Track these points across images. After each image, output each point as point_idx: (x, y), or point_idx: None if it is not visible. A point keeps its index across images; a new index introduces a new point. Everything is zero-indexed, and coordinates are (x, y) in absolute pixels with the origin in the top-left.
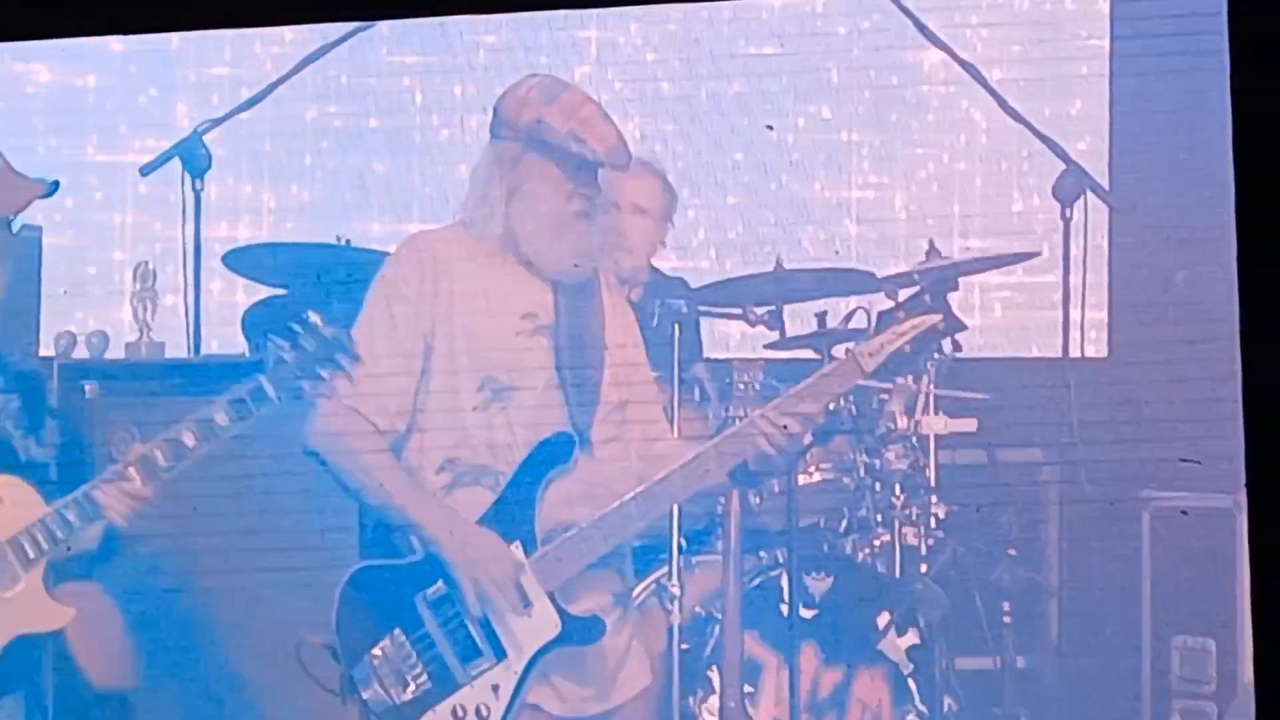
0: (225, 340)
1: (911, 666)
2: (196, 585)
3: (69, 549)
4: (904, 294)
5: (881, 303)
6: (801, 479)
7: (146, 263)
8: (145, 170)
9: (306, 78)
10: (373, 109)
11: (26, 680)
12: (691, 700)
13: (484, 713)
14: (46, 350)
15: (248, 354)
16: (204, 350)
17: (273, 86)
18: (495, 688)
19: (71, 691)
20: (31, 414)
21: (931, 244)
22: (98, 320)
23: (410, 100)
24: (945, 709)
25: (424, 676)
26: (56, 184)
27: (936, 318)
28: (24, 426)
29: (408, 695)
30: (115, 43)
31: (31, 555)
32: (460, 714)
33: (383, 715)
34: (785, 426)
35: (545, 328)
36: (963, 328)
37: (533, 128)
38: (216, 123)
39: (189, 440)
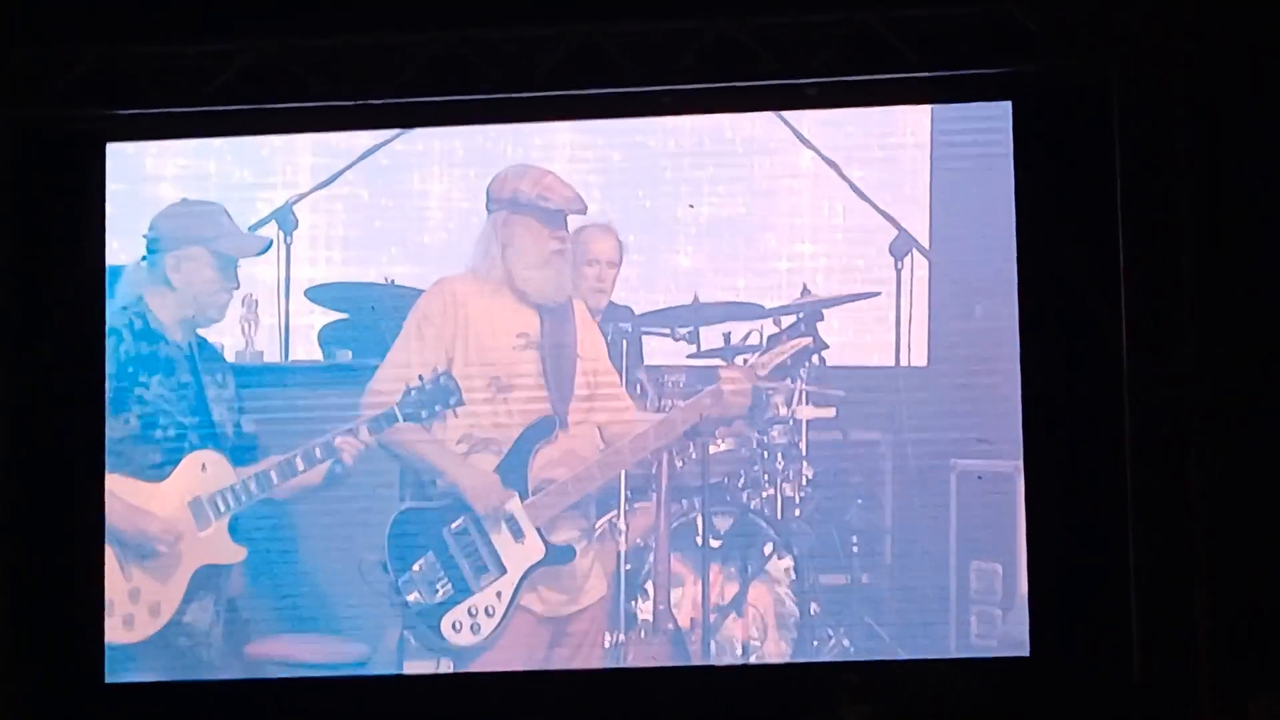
0: (306, 351)
1: (788, 581)
2: (290, 529)
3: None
4: (785, 321)
5: (769, 328)
6: (711, 448)
7: (251, 294)
8: (252, 229)
9: (364, 166)
10: (409, 188)
11: (212, 591)
12: (633, 604)
13: (491, 611)
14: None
15: (322, 360)
16: (290, 358)
17: (341, 172)
18: (499, 594)
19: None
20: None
21: (805, 286)
22: (217, 337)
23: (437, 181)
24: (811, 611)
25: (448, 584)
26: (271, 243)
27: (808, 340)
28: (234, 410)
29: (438, 598)
30: (227, 143)
31: (222, 509)
32: (473, 612)
33: (420, 611)
34: (701, 411)
35: (534, 343)
36: (825, 346)
37: (512, 196)
38: (301, 196)
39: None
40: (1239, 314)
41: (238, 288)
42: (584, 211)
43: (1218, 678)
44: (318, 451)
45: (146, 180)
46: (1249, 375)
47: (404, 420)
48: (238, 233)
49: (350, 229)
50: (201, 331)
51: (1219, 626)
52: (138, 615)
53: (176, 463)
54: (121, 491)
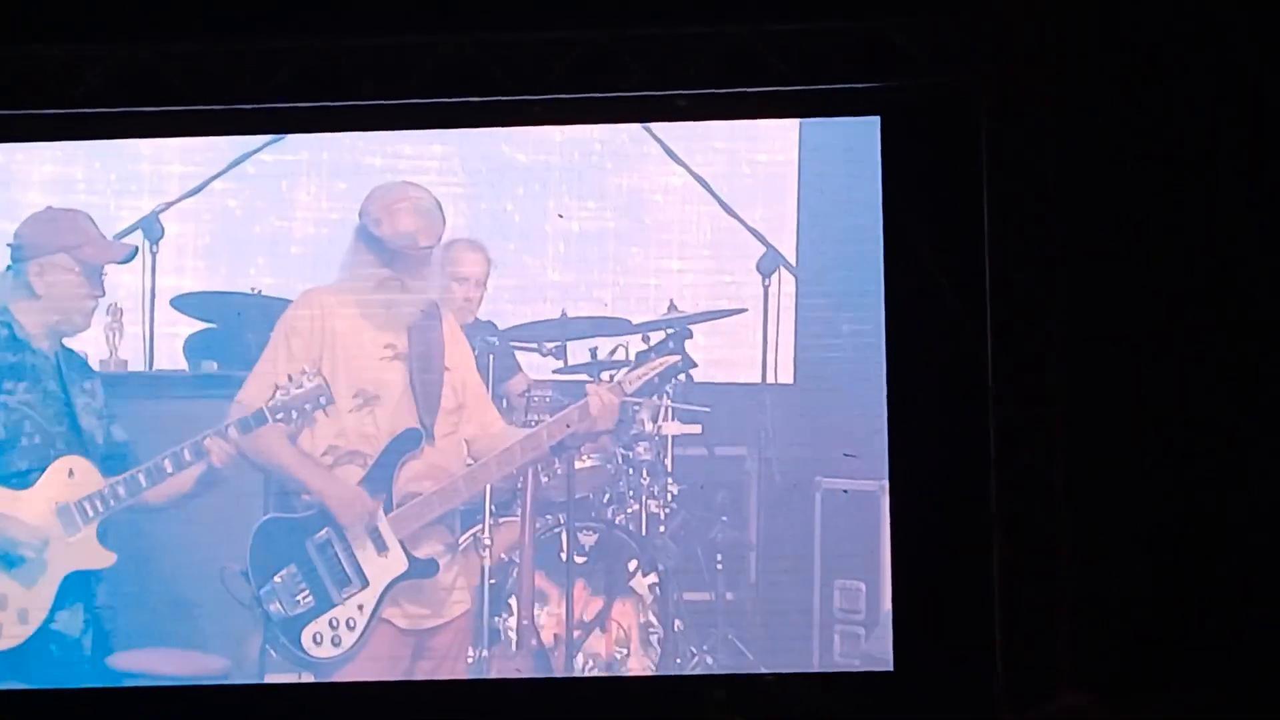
0: (172, 360)
1: (652, 598)
2: (157, 536)
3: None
4: (654, 338)
5: (636, 343)
6: (577, 464)
7: (115, 303)
8: (118, 237)
9: (233, 175)
10: (278, 197)
11: (81, 598)
12: (497, 619)
13: (352, 624)
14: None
15: (188, 370)
16: (155, 367)
17: (209, 180)
18: (360, 607)
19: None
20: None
21: (672, 302)
22: (81, 345)
23: (306, 191)
24: (675, 628)
25: (310, 596)
26: (136, 250)
27: (676, 358)
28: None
29: (299, 609)
30: (97, 146)
31: (90, 514)
32: (334, 624)
33: (280, 623)
34: (568, 425)
35: (401, 355)
36: (694, 365)
37: (361, 220)
38: (168, 205)
39: (207, 444)
40: (1105, 331)
41: (103, 295)
42: (415, 248)
43: (1080, 694)
44: (186, 454)
45: (13, 185)
46: (1114, 392)
47: (273, 420)
48: (102, 240)
49: (217, 238)
50: (67, 341)
51: (1081, 643)
52: (5, 622)
53: (43, 469)
54: None
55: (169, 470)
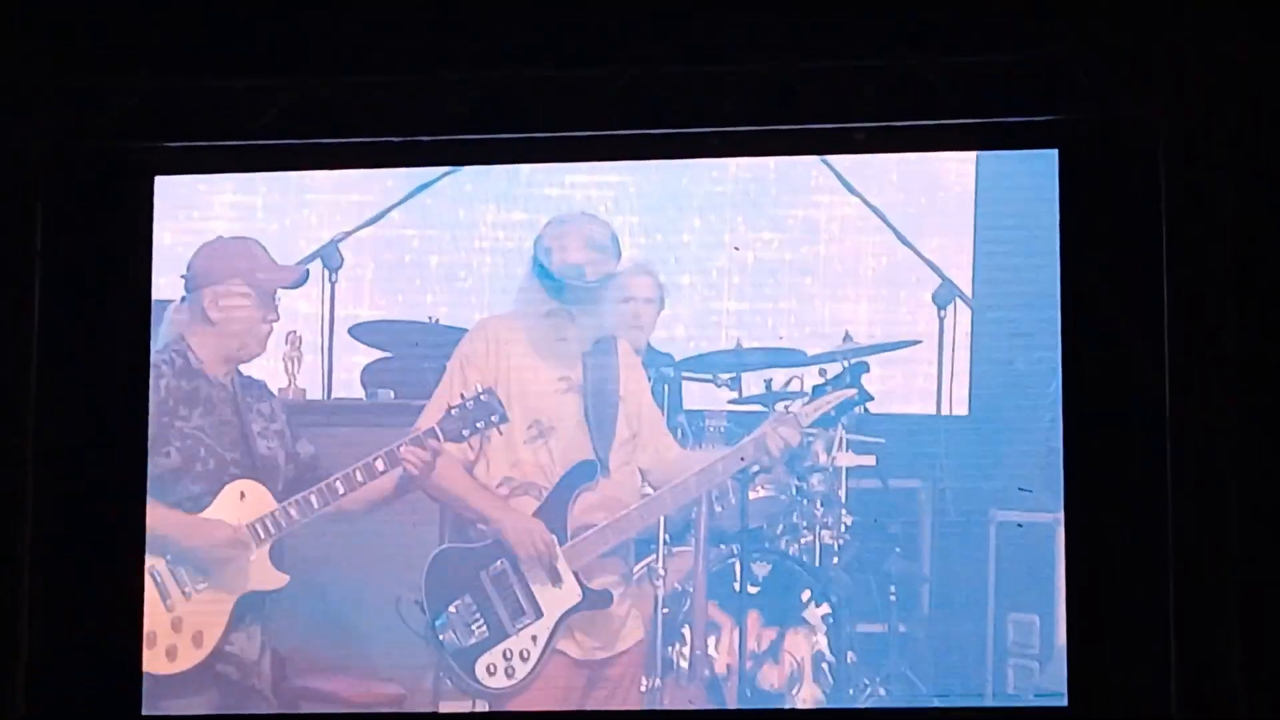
0: (349, 389)
1: (825, 629)
2: (331, 559)
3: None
4: (830, 370)
5: (811, 374)
6: (751, 494)
7: (295, 331)
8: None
9: (412, 205)
10: (455, 227)
11: (257, 620)
12: (670, 649)
13: (526, 655)
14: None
15: (364, 399)
16: (333, 395)
17: (387, 210)
18: (534, 638)
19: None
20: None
21: (847, 333)
22: (260, 373)
23: (484, 220)
24: (848, 660)
25: (484, 627)
26: (307, 274)
27: (853, 392)
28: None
29: (473, 640)
30: (276, 177)
31: (263, 536)
32: (508, 655)
33: (454, 653)
34: (742, 458)
35: (576, 386)
36: (870, 398)
37: (533, 251)
38: (347, 234)
39: (380, 465)
40: None
41: (278, 319)
42: (583, 281)
43: None
44: (358, 475)
45: (195, 216)
46: None
47: (444, 439)
48: (274, 265)
49: (394, 268)
50: (244, 368)
51: (1259, 679)
52: (180, 645)
53: (216, 494)
54: (164, 521)
55: (341, 490)
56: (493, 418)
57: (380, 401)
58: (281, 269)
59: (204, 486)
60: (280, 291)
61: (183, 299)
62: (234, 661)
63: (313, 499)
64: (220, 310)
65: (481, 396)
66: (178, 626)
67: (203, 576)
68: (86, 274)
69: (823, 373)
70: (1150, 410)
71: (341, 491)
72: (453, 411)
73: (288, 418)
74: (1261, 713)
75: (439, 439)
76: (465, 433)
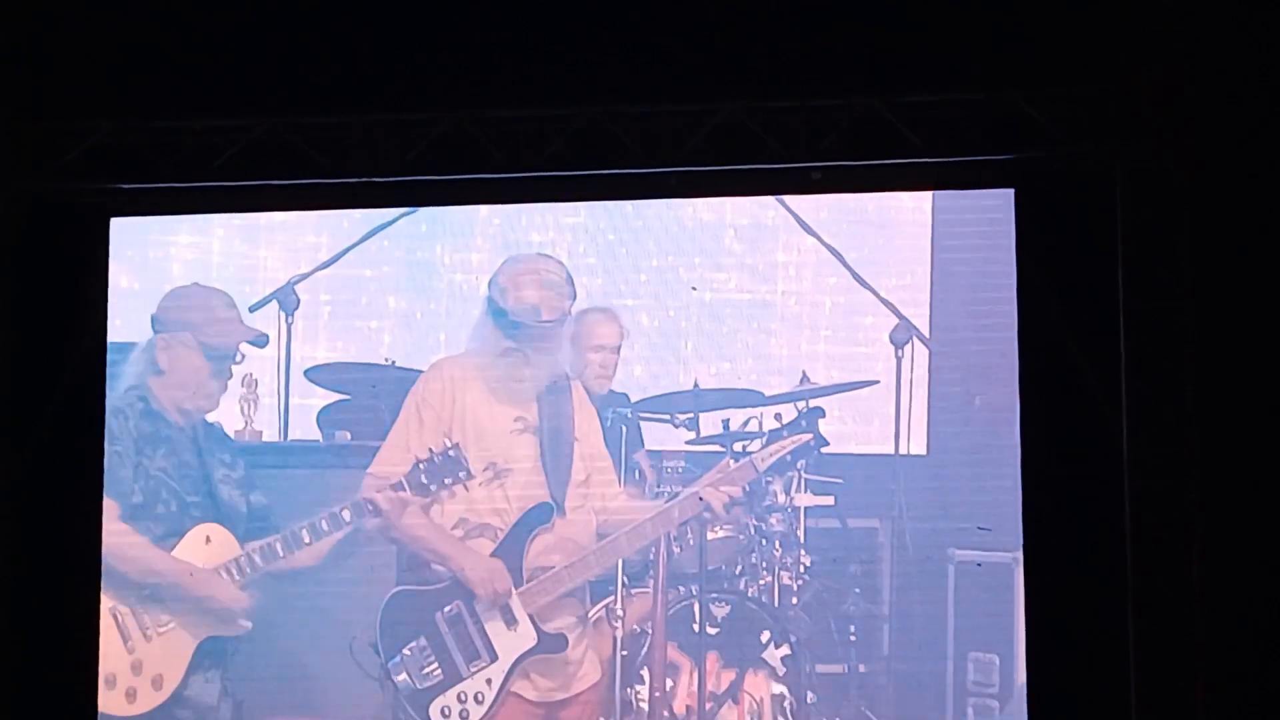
0: (305, 430)
1: (784, 670)
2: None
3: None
4: (786, 413)
5: (768, 415)
6: (709, 535)
7: (250, 374)
8: (253, 308)
9: (369, 246)
10: (412, 268)
11: (217, 664)
12: (629, 691)
13: (480, 698)
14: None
15: (321, 441)
16: (290, 437)
17: (344, 252)
18: (489, 680)
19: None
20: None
21: (804, 374)
22: (216, 415)
23: (441, 261)
24: (808, 700)
25: (438, 669)
26: (267, 337)
27: (808, 436)
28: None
29: (427, 683)
30: (233, 218)
31: (230, 580)
32: (463, 698)
33: (408, 695)
34: (713, 503)
35: (532, 427)
36: (825, 443)
37: (488, 292)
38: (304, 276)
39: (346, 515)
40: (1240, 404)
41: (229, 378)
42: (538, 321)
43: None
44: (324, 524)
45: (151, 258)
46: (1250, 464)
47: (411, 492)
48: (233, 323)
49: (352, 308)
50: (206, 415)
51: (1220, 717)
52: (140, 688)
53: (179, 536)
54: (137, 548)
55: (306, 540)
56: (460, 474)
57: (337, 443)
58: (241, 328)
59: (166, 528)
60: (244, 346)
61: (148, 340)
62: (192, 706)
63: (278, 546)
64: (169, 359)
65: (450, 452)
66: (138, 669)
67: (169, 616)
68: (42, 314)
69: (778, 417)
70: (1108, 447)
71: (306, 540)
72: (420, 465)
73: (246, 466)
74: None
75: (407, 490)
76: (433, 488)
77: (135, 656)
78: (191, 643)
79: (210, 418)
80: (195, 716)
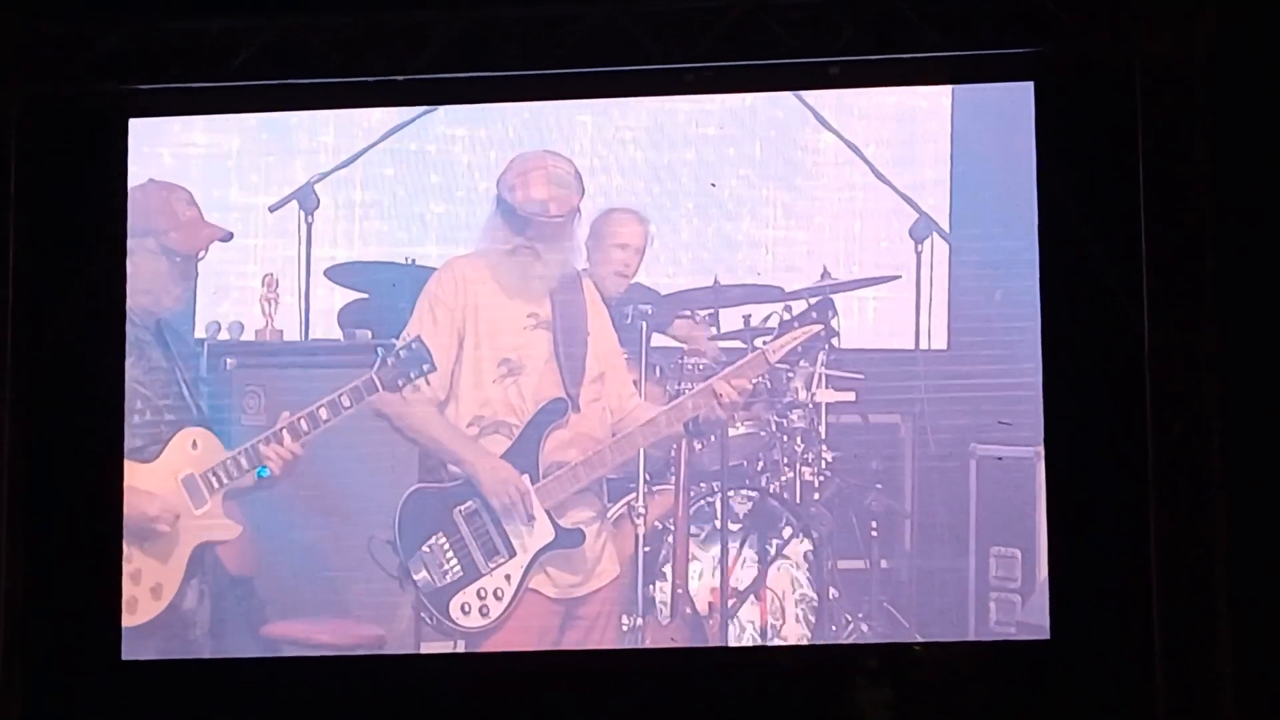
0: (327, 329)
1: (806, 565)
2: (307, 506)
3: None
4: (796, 307)
5: (788, 311)
6: (731, 431)
7: (271, 274)
8: (273, 208)
9: (388, 145)
10: (432, 167)
11: (213, 570)
12: (651, 587)
13: (500, 594)
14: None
15: (342, 339)
16: (311, 336)
17: (363, 151)
18: (507, 576)
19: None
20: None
21: (825, 269)
22: (237, 314)
23: (460, 160)
24: (830, 596)
25: (458, 567)
26: (231, 234)
27: (819, 327)
28: (200, 391)
29: (446, 580)
30: (251, 118)
31: (215, 486)
32: (482, 594)
33: (428, 593)
34: (722, 395)
35: (545, 323)
36: (835, 334)
37: (498, 190)
38: (323, 175)
39: (323, 414)
40: (1261, 296)
41: (196, 277)
42: (546, 216)
43: (1240, 661)
44: (303, 424)
45: (166, 157)
46: (1271, 357)
47: (384, 389)
48: (196, 223)
49: (372, 208)
50: (169, 316)
51: (1240, 608)
52: (140, 598)
53: (160, 444)
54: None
55: (287, 440)
56: (424, 366)
57: (359, 342)
58: (204, 227)
59: (144, 439)
60: (216, 244)
61: None
62: (191, 612)
63: (260, 448)
64: (132, 264)
65: (413, 344)
66: (137, 579)
67: (164, 526)
68: (62, 217)
69: (788, 309)
70: (1129, 342)
71: (305, 430)
72: (388, 362)
73: (264, 360)
74: (1244, 646)
75: (379, 389)
76: (400, 382)
77: (133, 566)
78: (185, 549)
79: (229, 315)
80: (191, 623)
